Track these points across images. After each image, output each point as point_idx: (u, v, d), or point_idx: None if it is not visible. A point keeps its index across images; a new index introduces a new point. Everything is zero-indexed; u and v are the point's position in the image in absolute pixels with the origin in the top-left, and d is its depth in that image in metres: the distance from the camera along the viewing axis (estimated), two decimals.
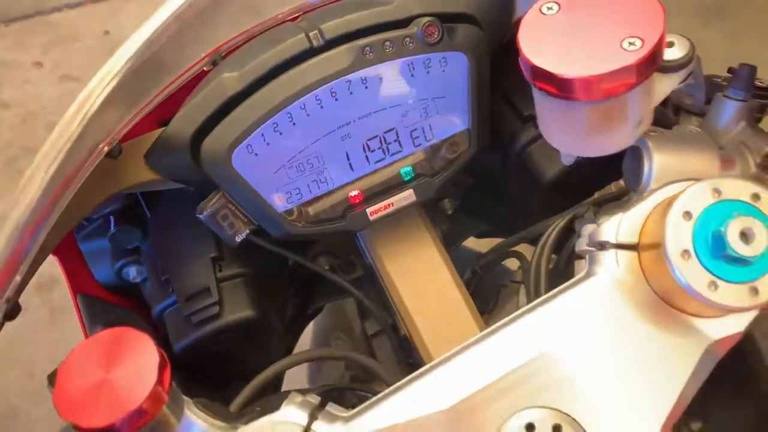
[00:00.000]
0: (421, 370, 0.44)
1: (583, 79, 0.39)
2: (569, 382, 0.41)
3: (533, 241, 0.66)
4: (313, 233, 0.59)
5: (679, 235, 0.39)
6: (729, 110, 0.50)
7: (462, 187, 0.79)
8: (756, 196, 0.40)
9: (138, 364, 0.37)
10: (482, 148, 0.61)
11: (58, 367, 0.38)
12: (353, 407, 0.43)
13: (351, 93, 0.56)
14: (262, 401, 0.48)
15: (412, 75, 0.57)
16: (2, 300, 0.43)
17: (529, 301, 0.53)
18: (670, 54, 0.44)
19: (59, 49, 2.66)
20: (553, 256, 0.62)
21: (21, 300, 0.48)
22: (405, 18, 0.56)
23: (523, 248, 0.72)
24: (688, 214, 0.40)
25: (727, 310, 0.40)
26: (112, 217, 0.68)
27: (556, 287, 0.45)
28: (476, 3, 0.59)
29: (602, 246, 0.44)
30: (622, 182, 0.57)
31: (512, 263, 0.79)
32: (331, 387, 0.62)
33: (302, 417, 0.42)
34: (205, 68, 0.65)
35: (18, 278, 0.44)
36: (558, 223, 0.59)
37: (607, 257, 0.44)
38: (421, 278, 0.64)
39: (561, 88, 0.40)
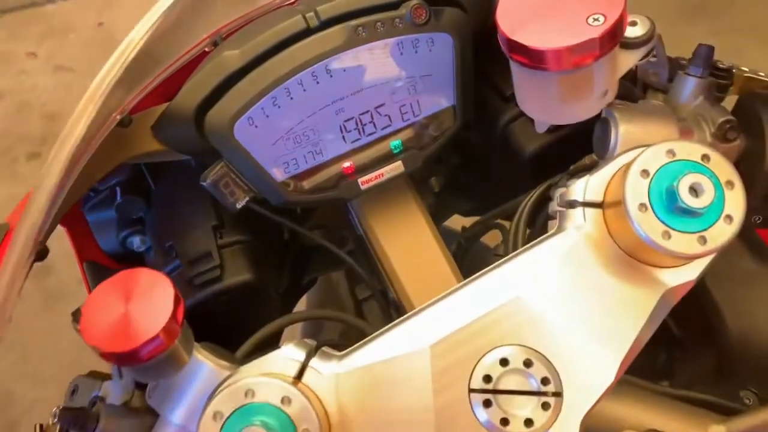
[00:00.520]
0: (405, 315, 0.48)
1: (554, 50, 0.44)
2: (539, 323, 0.46)
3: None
4: (309, 201, 0.64)
5: (637, 191, 0.44)
6: (689, 86, 0.55)
7: (448, 166, 0.84)
8: (706, 157, 0.45)
9: (155, 299, 0.41)
10: (466, 124, 0.66)
11: (81, 305, 0.42)
12: None
13: (344, 70, 0.61)
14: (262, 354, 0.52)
15: (401, 54, 0.62)
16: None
17: None
18: (633, 32, 0.49)
19: (53, 40, 2.69)
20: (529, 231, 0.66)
21: None
22: (395, 1, 0.61)
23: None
24: (645, 173, 0.44)
25: (679, 258, 0.44)
26: (118, 188, 0.72)
27: None
28: None
29: (571, 204, 0.49)
30: (594, 156, 0.62)
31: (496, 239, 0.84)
32: (325, 342, 0.66)
33: (300, 354, 0.47)
34: (206, 49, 0.70)
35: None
36: (536, 191, 0.64)
37: (575, 214, 0.49)
38: (408, 244, 0.68)
39: (534, 59, 0.45)
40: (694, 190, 0.43)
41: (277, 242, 0.80)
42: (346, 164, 0.64)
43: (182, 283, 0.67)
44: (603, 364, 0.45)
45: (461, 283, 0.49)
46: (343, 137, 0.63)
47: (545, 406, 0.44)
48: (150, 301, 0.41)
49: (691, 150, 0.45)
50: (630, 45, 0.49)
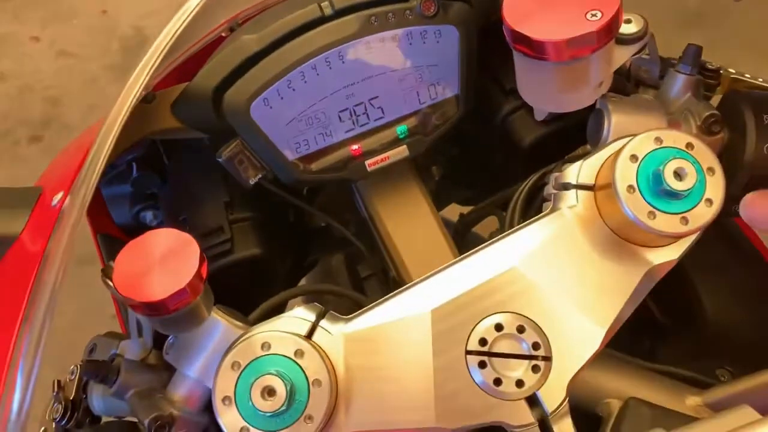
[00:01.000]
0: (407, 285, 0.52)
1: (554, 42, 0.48)
2: (532, 293, 0.50)
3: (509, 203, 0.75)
4: (318, 180, 0.68)
5: (626, 174, 0.48)
6: (678, 82, 0.59)
7: (447, 155, 0.88)
8: (690, 145, 0.49)
9: (182, 256, 0.45)
10: (468, 113, 0.70)
11: (113, 261, 0.46)
12: None
13: (356, 57, 0.64)
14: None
15: (410, 44, 0.65)
16: None
17: None
18: (627, 29, 0.54)
19: (57, 25, 2.70)
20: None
21: None
22: None
23: None
24: (634, 157, 0.48)
25: (663, 236, 0.48)
26: (134, 164, 0.76)
27: None
28: None
29: (565, 187, 0.53)
30: (588, 147, 0.66)
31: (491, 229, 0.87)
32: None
33: (311, 315, 0.51)
34: (223, 34, 0.74)
35: None
36: (531, 178, 0.68)
37: (568, 196, 0.53)
38: (410, 225, 0.72)
39: (536, 49, 0.49)
40: (678, 175, 0.47)
41: (283, 222, 0.84)
42: (355, 147, 0.68)
43: None
44: (590, 332, 0.49)
45: (462, 256, 0.52)
46: (353, 121, 0.67)
47: (535, 368, 0.48)
48: (178, 258, 0.45)
49: (676, 138, 0.49)
50: (624, 40, 0.53)
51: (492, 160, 0.84)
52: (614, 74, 0.57)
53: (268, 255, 0.72)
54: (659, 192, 0.47)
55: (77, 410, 0.57)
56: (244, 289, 0.74)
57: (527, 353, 0.49)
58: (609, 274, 0.51)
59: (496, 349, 0.49)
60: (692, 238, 0.51)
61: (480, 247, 0.53)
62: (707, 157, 0.48)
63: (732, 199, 0.50)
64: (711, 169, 0.48)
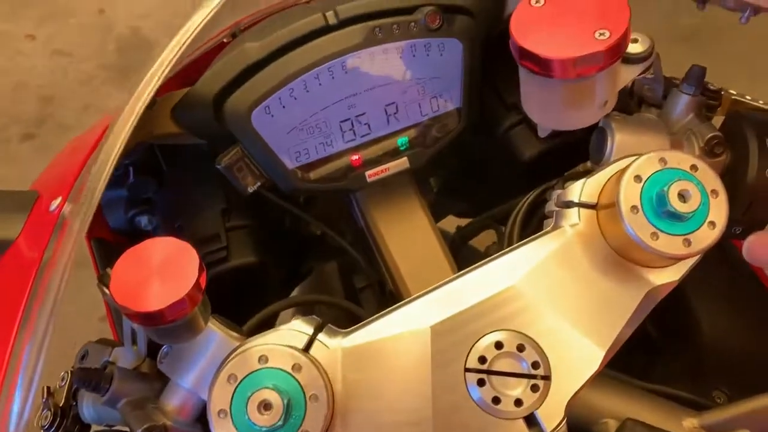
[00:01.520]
0: (407, 300, 0.52)
1: (561, 59, 0.48)
2: (533, 311, 0.50)
3: (507, 218, 0.75)
4: (318, 189, 0.67)
5: (630, 194, 0.48)
6: (681, 103, 0.59)
7: (446, 167, 0.88)
8: (694, 167, 0.48)
9: (181, 266, 0.44)
10: (470, 126, 0.70)
11: (111, 269, 0.45)
12: None
13: (359, 68, 0.64)
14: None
15: (414, 56, 0.65)
16: None
17: None
18: (634, 48, 0.54)
19: (53, 24, 2.69)
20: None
21: None
22: (411, 6, 0.64)
23: None
24: (638, 178, 0.48)
25: (665, 258, 0.48)
26: (131, 168, 0.75)
27: None
28: None
29: (567, 205, 0.53)
30: (588, 164, 0.66)
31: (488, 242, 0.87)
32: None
33: (308, 328, 0.50)
34: (224, 40, 0.73)
35: None
36: (532, 194, 0.68)
37: (571, 214, 0.52)
38: (408, 237, 0.72)
39: (542, 66, 0.49)
40: (682, 196, 0.47)
41: (279, 230, 0.83)
42: (355, 157, 0.67)
43: None
44: (589, 352, 0.49)
45: (462, 271, 0.52)
46: (354, 131, 0.66)
47: (534, 388, 0.48)
48: (177, 268, 0.44)
49: (681, 159, 0.49)
50: (631, 60, 0.53)
51: (491, 173, 0.84)
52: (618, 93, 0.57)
53: (263, 263, 0.72)
54: (663, 213, 0.47)
55: (67, 418, 0.56)
56: (239, 296, 0.74)
57: (527, 372, 0.48)
58: (610, 294, 0.50)
59: (495, 368, 0.48)
60: (694, 259, 0.51)
61: (481, 262, 0.52)
62: (711, 179, 0.48)
63: (733, 221, 0.50)
64: (715, 192, 0.48)
